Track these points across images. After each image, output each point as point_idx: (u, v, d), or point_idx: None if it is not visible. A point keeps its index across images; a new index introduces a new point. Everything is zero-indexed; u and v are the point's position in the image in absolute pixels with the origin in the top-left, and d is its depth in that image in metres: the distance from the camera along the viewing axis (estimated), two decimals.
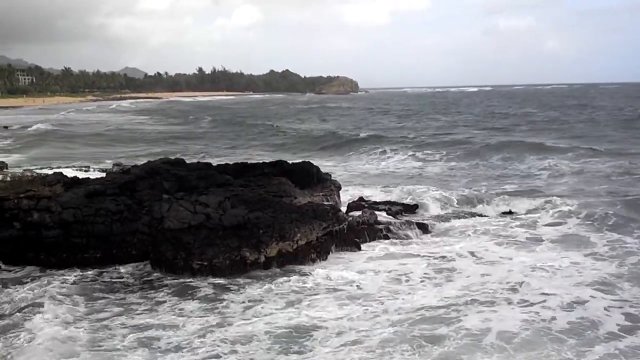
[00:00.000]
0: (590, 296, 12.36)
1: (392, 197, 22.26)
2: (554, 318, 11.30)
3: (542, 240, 17.01)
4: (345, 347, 10.28)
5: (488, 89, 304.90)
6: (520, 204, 20.85)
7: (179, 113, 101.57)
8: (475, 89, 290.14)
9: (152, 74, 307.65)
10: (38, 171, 21.15)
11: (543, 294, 12.60)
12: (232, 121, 72.17)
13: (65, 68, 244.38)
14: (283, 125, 64.14)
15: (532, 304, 12.05)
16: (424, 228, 18.40)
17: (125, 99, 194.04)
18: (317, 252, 15.56)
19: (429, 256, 15.67)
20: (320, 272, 14.34)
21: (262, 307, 12.17)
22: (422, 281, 13.82)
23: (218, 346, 10.43)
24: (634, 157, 31.62)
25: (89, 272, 14.65)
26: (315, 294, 12.96)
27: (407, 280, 13.91)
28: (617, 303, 12.02)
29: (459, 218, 19.82)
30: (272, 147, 45.24)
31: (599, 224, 18.08)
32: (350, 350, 10.17)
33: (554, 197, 21.25)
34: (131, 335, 10.96)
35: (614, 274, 13.69)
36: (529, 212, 20.03)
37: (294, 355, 10.16)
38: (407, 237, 17.60)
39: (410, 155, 36.00)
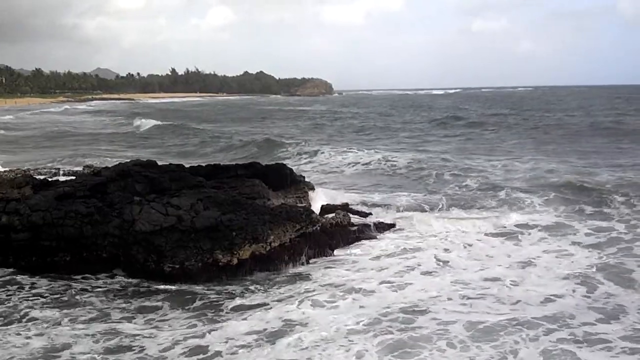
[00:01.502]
0: (567, 289, 12.73)
1: (365, 199, 22.33)
2: (525, 309, 11.64)
3: (520, 232, 17.51)
4: (312, 341, 10.44)
5: (452, 91, 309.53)
6: (488, 199, 21.56)
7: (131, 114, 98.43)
8: (442, 92, 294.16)
9: (125, 75, 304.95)
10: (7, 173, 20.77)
11: (521, 285, 13.02)
12: (175, 125, 67.66)
13: (36, 69, 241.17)
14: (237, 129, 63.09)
15: (507, 296, 12.43)
16: (393, 228, 18.53)
17: (96, 99, 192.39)
18: (290, 254, 15.54)
19: (404, 252, 15.92)
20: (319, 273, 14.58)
21: (255, 311, 12.08)
22: (413, 277, 14.04)
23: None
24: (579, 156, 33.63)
25: (59, 280, 14.28)
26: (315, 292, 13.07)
27: (401, 276, 14.13)
28: (596, 295, 12.45)
29: (431, 215, 20.02)
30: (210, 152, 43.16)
31: (572, 213, 19.11)
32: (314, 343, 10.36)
33: (517, 191, 22.49)
34: (92, 346, 10.46)
35: (597, 265, 14.15)
36: (498, 206, 20.57)
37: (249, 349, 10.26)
38: (382, 238, 17.65)
39: (374, 157, 35.39)
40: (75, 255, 15.09)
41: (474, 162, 31.75)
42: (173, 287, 13.70)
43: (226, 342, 10.50)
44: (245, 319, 11.63)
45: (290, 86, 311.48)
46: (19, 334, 10.94)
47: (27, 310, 12.18)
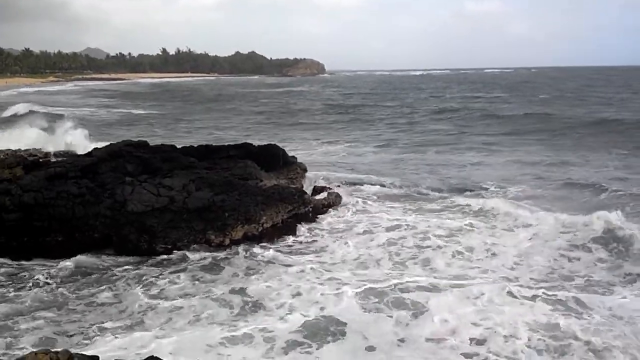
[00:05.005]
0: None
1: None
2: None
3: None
4: None
5: (437, 72, 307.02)
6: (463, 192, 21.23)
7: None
8: (421, 73, 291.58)
9: (115, 54, 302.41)
10: None
11: None
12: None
13: (26, 49, 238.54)
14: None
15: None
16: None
17: (86, 79, 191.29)
18: (282, 234, 15.60)
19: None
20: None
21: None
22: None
23: None
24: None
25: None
26: None
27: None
28: None
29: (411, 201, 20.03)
30: None
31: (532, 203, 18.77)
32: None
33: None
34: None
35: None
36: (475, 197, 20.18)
37: None
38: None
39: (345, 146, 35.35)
40: (67, 235, 15.07)
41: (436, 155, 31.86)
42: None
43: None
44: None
45: (282, 66, 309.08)
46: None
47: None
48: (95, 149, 19.02)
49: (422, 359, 9.13)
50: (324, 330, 10.04)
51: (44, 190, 15.43)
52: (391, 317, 10.51)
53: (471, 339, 9.60)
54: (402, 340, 9.70)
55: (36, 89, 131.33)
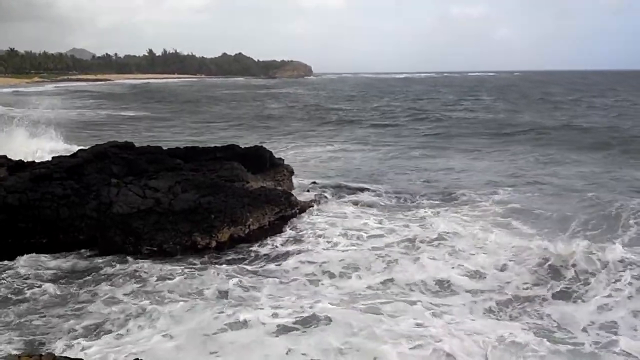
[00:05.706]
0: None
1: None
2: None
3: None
4: None
5: (423, 75, 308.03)
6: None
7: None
8: (403, 76, 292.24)
9: (101, 55, 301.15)
10: None
11: None
12: None
13: (11, 49, 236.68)
14: None
15: None
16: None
17: (72, 80, 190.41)
18: (269, 236, 15.58)
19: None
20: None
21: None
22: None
23: None
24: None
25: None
26: None
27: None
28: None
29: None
30: None
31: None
32: None
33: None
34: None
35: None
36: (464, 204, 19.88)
37: None
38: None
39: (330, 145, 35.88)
40: (52, 237, 14.96)
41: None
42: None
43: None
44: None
45: (269, 68, 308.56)
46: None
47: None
48: (81, 150, 18.87)
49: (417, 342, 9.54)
50: (315, 320, 10.44)
51: (28, 192, 15.31)
52: (376, 313, 10.70)
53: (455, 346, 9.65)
54: (388, 329, 10.03)
55: (19, 89, 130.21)
